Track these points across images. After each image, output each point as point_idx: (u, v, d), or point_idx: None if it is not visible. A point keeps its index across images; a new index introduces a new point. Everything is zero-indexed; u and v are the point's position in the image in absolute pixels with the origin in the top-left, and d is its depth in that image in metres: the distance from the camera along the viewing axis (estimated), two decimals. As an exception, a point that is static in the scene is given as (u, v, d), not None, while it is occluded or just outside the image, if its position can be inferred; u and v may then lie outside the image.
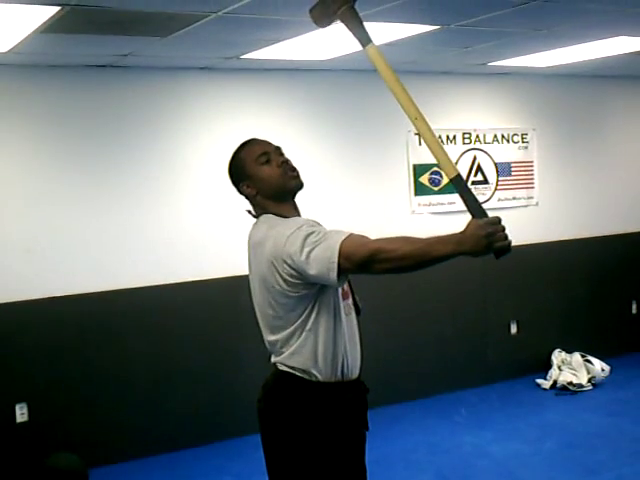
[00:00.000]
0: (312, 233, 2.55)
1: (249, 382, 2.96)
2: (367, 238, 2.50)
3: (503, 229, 2.30)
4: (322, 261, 2.47)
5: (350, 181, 6.45)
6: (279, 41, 4.89)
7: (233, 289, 5.50)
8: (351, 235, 2.50)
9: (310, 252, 2.50)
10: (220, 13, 4.04)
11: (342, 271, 2.48)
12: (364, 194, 6.50)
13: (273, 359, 2.80)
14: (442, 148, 2.41)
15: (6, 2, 3.61)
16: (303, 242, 2.52)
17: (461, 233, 2.32)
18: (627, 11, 4.56)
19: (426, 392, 6.66)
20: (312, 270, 2.50)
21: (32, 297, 5.31)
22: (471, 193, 2.41)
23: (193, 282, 5.81)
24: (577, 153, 7.61)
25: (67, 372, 5.47)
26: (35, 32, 4.21)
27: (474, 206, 2.35)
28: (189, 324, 5.83)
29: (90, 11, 3.83)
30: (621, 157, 7.88)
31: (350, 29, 2.62)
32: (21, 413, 5.32)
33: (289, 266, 2.56)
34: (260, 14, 4.12)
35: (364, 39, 2.56)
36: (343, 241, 2.47)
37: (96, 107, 5.53)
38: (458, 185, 2.39)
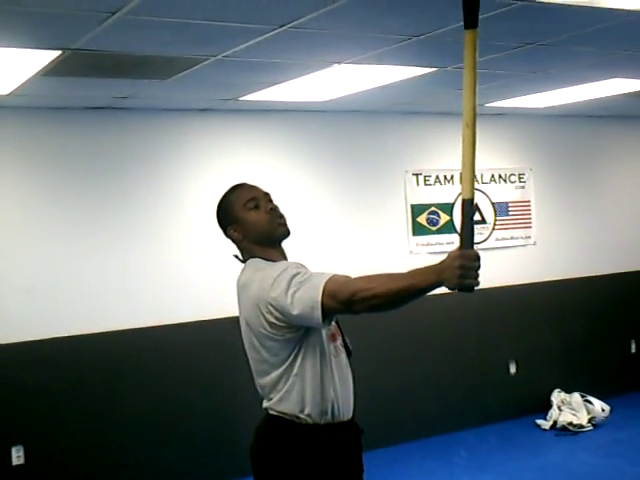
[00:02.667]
0: (297, 274, 2.57)
1: (248, 424, 2.94)
2: (351, 278, 2.52)
3: (477, 268, 2.27)
4: (306, 301, 2.49)
5: (348, 221, 6.47)
6: (277, 83, 4.94)
7: (233, 329, 5.44)
8: (335, 275, 2.52)
9: (295, 293, 2.52)
10: (219, 56, 4.09)
11: (326, 310, 2.48)
12: (362, 234, 6.52)
13: (264, 404, 2.80)
14: (473, 167, 2.30)
15: (8, 46, 3.65)
16: (288, 283, 2.54)
17: (440, 263, 2.31)
18: (619, 54, 4.62)
19: (424, 433, 6.60)
20: (295, 310, 2.51)
21: (29, 338, 5.29)
22: (472, 223, 2.34)
23: (193, 322, 5.79)
24: (574, 192, 7.64)
25: (64, 414, 5.43)
26: (36, 75, 4.26)
27: (467, 235, 2.30)
28: (189, 364, 5.79)
29: (90, 55, 3.88)
30: (618, 196, 7.91)
31: (464, 3, 2.40)
32: (17, 456, 5.26)
33: (274, 308, 2.58)
34: (258, 57, 4.17)
35: (469, 21, 2.35)
36: (327, 281, 2.49)
37: (96, 148, 5.57)
38: (466, 209, 2.30)
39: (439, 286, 2.32)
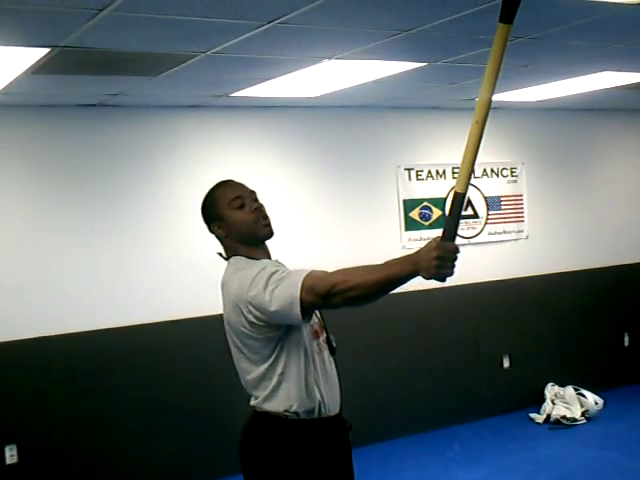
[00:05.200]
0: (276, 272, 2.58)
1: (239, 421, 2.95)
2: (328, 272, 2.52)
3: (453, 259, 2.26)
4: (285, 297, 2.49)
5: (340, 216, 6.46)
6: (268, 79, 4.93)
7: (223, 327, 5.47)
8: (313, 271, 2.53)
9: (273, 290, 2.52)
10: (209, 53, 4.08)
11: (305, 305, 2.49)
12: (354, 229, 6.51)
13: (251, 402, 2.81)
14: (473, 163, 2.31)
15: (-4, 44, 3.64)
16: (267, 282, 2.55)
17: (416, 253, 2.32)
18: (610, 47, 4.61)
19: (419, 428, 6.61)
20: (274, 307, 2.51)
21: (21, 337, 5.28)
22: (457, 218, 2.32)
23: (183, 320, 5.78)
24: (566, 186, 7.65)
25: (57, 412, 5.42)
26: (25, 73, 4.24)
27: (451, 228, 2.29)
28: (179, 363, 5.78)
29: (79, 52, 3.86)
30: (610, 189, 7.92)
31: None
32: (11, 455, 5.25)
33: (253, 307, 2.58)
34: (248, 53, 4.16)
35: (507, 15, 2.29)
36: (305, 277, 2.50)
37: (86, 146, 5.55)
38: (456, 203, 2.28)
39: (416, 276, 2.32)
